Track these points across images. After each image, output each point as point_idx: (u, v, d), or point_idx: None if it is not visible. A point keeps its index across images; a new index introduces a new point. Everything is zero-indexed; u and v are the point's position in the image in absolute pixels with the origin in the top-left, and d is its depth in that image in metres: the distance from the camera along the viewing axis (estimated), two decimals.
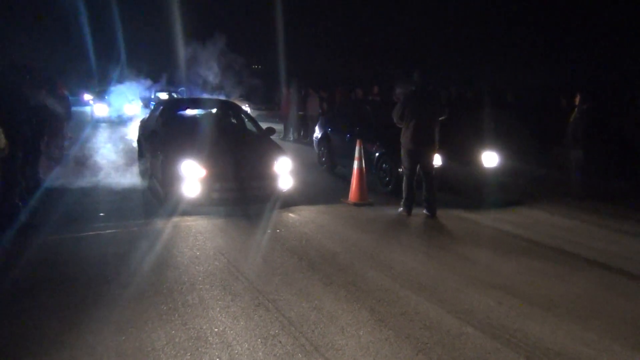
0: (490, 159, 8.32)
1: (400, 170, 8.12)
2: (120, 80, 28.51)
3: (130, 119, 22.28)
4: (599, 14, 17.37)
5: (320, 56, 28.40)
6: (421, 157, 6.99)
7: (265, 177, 7.19)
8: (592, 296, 4.46)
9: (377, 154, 8.65)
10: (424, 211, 7.05)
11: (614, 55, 16.07)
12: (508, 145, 9.91)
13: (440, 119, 7.02)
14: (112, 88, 24.24)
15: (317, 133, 11.39)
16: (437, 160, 7.83)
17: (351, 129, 9.85)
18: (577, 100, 8.50)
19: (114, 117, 22.44)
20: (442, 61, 20.45)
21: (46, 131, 8.31)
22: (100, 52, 30.41)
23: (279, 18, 24.27)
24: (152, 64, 26.54)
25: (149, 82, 25.56)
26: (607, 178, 9.43)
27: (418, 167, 7.05)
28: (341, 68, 25.86)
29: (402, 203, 7.13)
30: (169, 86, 25.85)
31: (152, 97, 25.03)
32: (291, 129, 16.87)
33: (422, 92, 7.05)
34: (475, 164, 8.30)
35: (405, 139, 7.00)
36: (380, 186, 8.53)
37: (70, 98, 11.69)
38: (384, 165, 8.62)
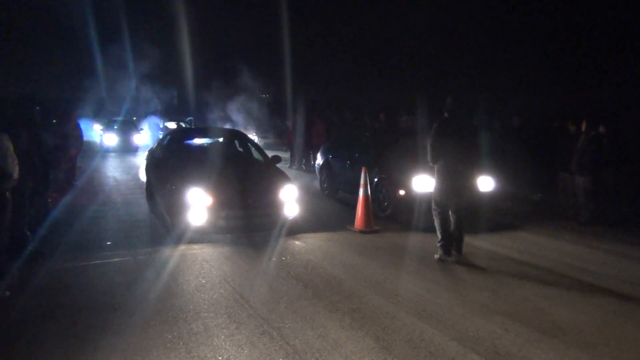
0: (485, 183, 8.33)
1: (398, 195, 8.18)
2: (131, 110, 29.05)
3: (138, 148, 22.57)
4: (612, 38, 17.46)
5: (330, 83, 28.72)
6: (456, 194, 6.29)
7: (271, 205, 7.23)
8: (600, 323, 4.42)
9: (375, 179, 8.71)
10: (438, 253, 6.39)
11: (625, 80, 16.07)
12: (512, 171, 9.92)
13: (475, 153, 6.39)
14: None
15: (319, 160, 11.54)
16: (432, 184, 7.89)
17: (351, 156, 9.97)
18: (584, 126, 8.54)
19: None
20: (449, 84, 20.59)
21: (55, 161, 8.42)
22: (112, 83, 30.99)
23: (288, 44, 24.65)
24: (163, 93, 27.02)
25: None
26: (614, 204, 9.38)
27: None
28: (351, 95, 26.12)
29: (438, 246, 6.34)
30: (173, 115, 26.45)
31: (161, 126, 25.36)
32: (297, 157, 16.97)
33: (454, 121, 6.30)
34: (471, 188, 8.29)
35: (439, 175, 6.32)
36: (379, 211, 8.55)
37: (82, 129, 11.84)
38: (382, 190, 8.67)
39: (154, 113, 26.76)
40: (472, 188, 6.55)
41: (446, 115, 6.34)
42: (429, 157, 6.33)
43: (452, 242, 6.29)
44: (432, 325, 4.27)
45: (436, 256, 6.31)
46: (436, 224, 6.39)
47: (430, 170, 7.97)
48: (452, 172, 6.19)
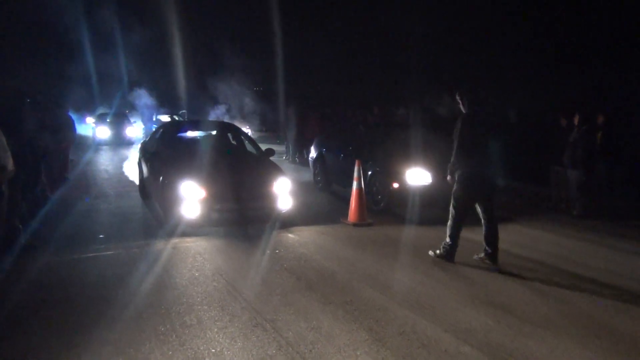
0: None
1: (392, 188, 8.18)
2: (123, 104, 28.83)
3: (131, 141, 22.48)
4: (608, 32, 17.52)
5: (324, 76, 28.65)
6: (486, 192, 5.76)
7: (265, 198, 7.22)
8: (591, 315, 4.44)
9: (369, 173, 8.71)
10: (482, 255, 5.85)
11: (620, 73, 16.14)
12: (506, 164, 9.94)
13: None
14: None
15: (312, 153, 11.54)
16: (426, 177, 7.89)
17: (344, 149, 9.97)
18: (577, 120, 8.57)
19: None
20: (446, 79, 20.62)
21: (47, 154, 8.36)
22: (103, 76, 30.81)
23: (280, 38, 24.58)
24: (155, 87, 26.87)
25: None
26: (607, 197, 9.44)
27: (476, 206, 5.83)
28: (345, 89, 26.09)
29: (443, 245, 5.86)
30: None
31: (154, 119, 25.25)
32: (291, 150, 16.98)
33: (481, 113, 5.74)
34: None
35: (466, 170, 5.66)
36: (373, 204, 8.56)
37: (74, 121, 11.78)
38: (376, 183, 8.68)
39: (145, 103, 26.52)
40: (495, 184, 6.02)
41: (469, 107, 5.75)
42: (458, 160, 5.66)
43: (457, 248, 5.81)
44: (425, 317, 4.29)
45: (436, 252, 5.90)
46: (449, 223, 5.83)
47: (424, 164, 8.02)
48: (480, 169, 5.66)
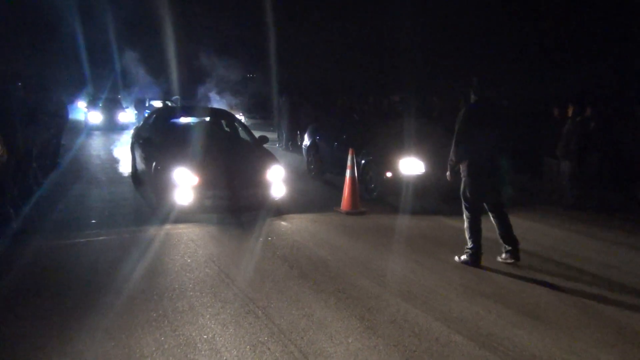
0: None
1: (385, 177, 8.20)
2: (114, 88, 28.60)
3: (123, 126, 22.34)
4: (600, 22, 17.52)
5: (318, 64, 28.53)
6: (493, 189, 5.54)
7: (258, 185, 7.22)
8: (581, 306, 4.48)
9: (363, 161, 8.71)
10: (503, 256, 5.57)
11: (614, 64, 16.14)
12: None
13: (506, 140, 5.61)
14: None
15: (306, 141, 11.50)
16: (419, 167, 7.90)
17: (338, 137, 9.96)
18: (570, 111, 8.58)
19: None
20: (439, 69, 20.58)
21: (38, 138, 8.31)
22: (94, 60, 30.55)
23: (273, 25, 24.43)
24: (147, 72, 26.66)
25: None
26: (599, 189, 9.48)
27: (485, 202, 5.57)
28: (339, 76, 25.99)
29: (465, 250, 5.51)
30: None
31: (147, 105, 25.08)
32: (284, 137, 16.96)
33: (486, 105, 5.45)
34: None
35: (472, 164, 5.38)
36: (366, 193, 8.58)
37: (67, 106, 11.71)
38: (369, 172, 8.68)
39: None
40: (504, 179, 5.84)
41: (475, 98, 5.46)
42: (455, 153, 5.40)
43: (481, 250, 5.47)
44: (417, 306, 4.31)
45: (461, 258, 5.53)
46: (466, 226, 5.52)
47: (417, 153, 8.02)
48: (488, 165, 5.41)
